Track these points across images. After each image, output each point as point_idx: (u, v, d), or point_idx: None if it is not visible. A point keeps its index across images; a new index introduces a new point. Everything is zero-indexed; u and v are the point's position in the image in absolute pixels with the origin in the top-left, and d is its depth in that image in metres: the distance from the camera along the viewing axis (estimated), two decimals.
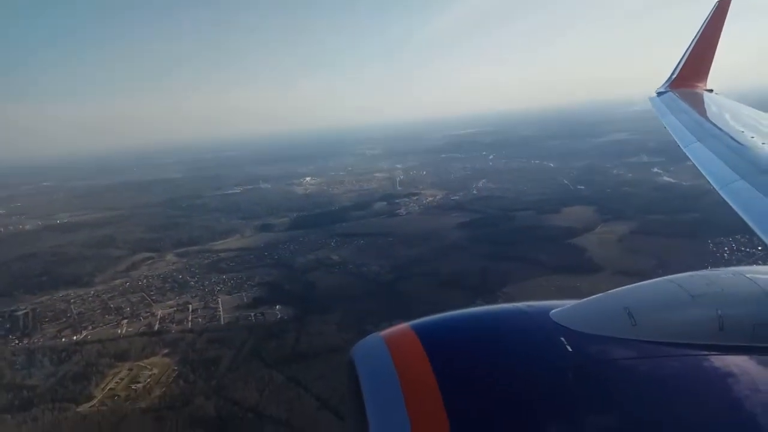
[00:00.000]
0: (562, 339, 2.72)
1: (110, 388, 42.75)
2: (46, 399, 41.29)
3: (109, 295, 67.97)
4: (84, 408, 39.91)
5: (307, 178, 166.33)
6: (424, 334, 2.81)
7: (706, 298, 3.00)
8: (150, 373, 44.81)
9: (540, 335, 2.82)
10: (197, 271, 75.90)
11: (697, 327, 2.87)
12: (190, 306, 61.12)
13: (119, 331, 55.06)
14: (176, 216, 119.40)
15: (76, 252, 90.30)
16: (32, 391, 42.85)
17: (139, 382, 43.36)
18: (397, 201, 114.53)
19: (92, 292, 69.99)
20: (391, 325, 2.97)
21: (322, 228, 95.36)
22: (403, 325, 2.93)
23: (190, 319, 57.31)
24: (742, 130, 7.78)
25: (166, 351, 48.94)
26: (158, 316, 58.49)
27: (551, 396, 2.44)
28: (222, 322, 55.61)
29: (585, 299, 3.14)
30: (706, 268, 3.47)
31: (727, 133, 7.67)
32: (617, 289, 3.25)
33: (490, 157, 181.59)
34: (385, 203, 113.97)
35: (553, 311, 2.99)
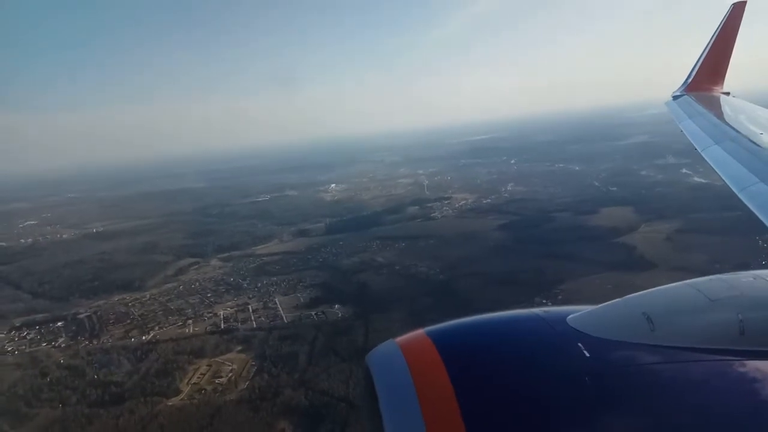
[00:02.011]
0: (580, 345, 2.70)
1: (194, 383, 44.25)
2: (136, 393, 42.84)
3: (166, 298, 69.73)
4: (174, 401, 41.42)
5: (333, 185, 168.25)
6: (440, 340, 2.81)
7: (726, 302, 2.99)
8: (230, 368, 46.28)
9: (557, 341, 2.80)
10: (246, 274, 77.52)
11: (717, 332, 2.85)
12: (250, 306, 62.65)
13: (187, 331, 56.66)
14: (211, 223, 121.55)
15: (122, 258, 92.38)
16: (119, 386, 44.41)
17: (221, 377, 44.85)
18: (429, 205, 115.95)
19: (148, 296, 71.79)
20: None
21: (359, 232, 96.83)
22: (419, 332, 2.94)
23: (253, 318, 58.80)
24: (761, 132, 7.76)
25: (239, 348, 50.47)
26: (221, 316, 60.09)
27: (568, 402, 2.43)
28: (285, 321, 57.01)
29: (602, 304, 3.15)
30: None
31: (745, 136, 7.62)
32: (635, 294, 3.25)
33: (512, 161, 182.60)
34: (417, 207, 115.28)
35: (570, 317, 2.98)
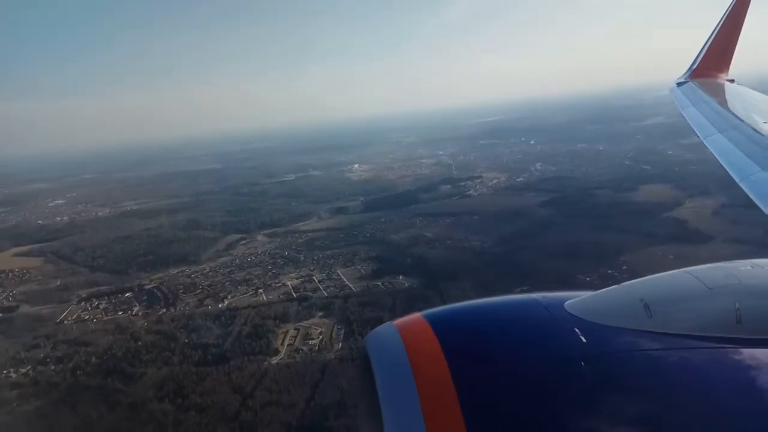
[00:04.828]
0: (576, 330, 2.75)
1: (289, 344, 46.57)
2: (237, 353, 45.06)
3: (227, 270, 71.76)
4: (277, 360, 43.80)
5: (356, 165, 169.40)
6: (438, 323, 2.87)
7: (724, 290, 3.02)
8: (318, 331, 48.50)
9: (554, 326, 2.84)
10: (299, 248, 79.31)
11: (714, 319, 2.88)
12: (315, 277, 64.62)
13: (261, 299, 58.73)
14: (245, 201, 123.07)
15: (170, 234, 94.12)
16: (218, 348, 46.69)
17: (313, 339, 47.10)
18: (461, 183, 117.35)
19: (207, 269, 73.74)
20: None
21: (398, 209, 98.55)
22: (416, 315, 3.00)
23: (321, 287, 60.85)
24: (764, 121, 7.69)
25: (321, 314, 52.60)
26: (290, 286, 62.15)
27: (564, 387, 2.48)
28: (355, 290, 59.06)
29: (600, 290, 3.20)
30: None
31: (748, 125, 7.57)
32: (633, 280, 3.32)
33: (532, 141, 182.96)
34: (449, 186, 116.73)
35: (568, 302, 3.03)
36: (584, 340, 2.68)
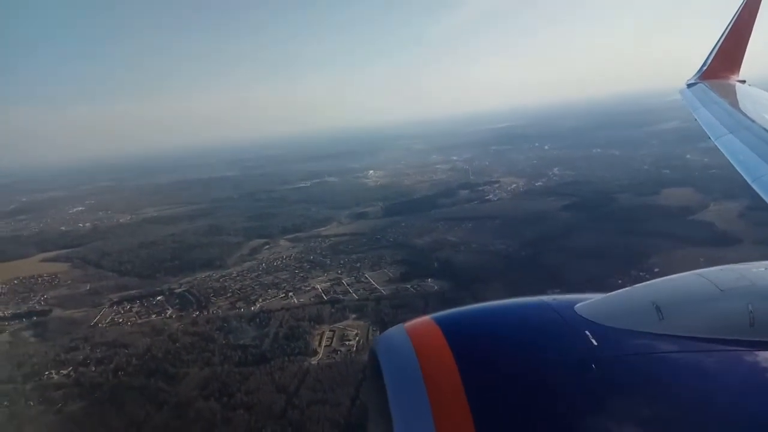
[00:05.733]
0: (587, 333, 2.72)
1: (326, 345, 47.21)
2: (276, 354, 45.76)
3: (255, 274, 72.70)
4: (316, 360, 44.43)
5: (371, 171, 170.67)
6: (447, 327, 2.84)
7: (736, 292, 2.99)
8: (354, 332, 49.17)
9: (564, 329, 2.81)
10: (324, 252, 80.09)
11: (727, 322, 2.84)
12: (343, 281, 65.31)
13: (292, 302, 59.45)
14: (264, 207, 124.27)
15: (194, 239, 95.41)
16: (257, 348, 47.47)
17: (349, 340, 47.75)
18: (479, 188, 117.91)
19: (234, 273, 74.73)
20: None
21: (418, 214, 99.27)
22: (426, 318, 2.98)
23: (351, 290, 61.47)
24: None
25: (354, 315, 53.30)
26: (319, 289, 62.85)
27: (574, 390, 2.46)
28: (384, 293, 59.65)
29: (611, 293, 3.17)
30: None
31: (760, 125, 7.54)
32: (644, 283, 3.28)
33: (545, 147, 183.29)
34: (467, 191, 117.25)
35: (578, 305, 3.01)
36: (595, 343, 2.66)
